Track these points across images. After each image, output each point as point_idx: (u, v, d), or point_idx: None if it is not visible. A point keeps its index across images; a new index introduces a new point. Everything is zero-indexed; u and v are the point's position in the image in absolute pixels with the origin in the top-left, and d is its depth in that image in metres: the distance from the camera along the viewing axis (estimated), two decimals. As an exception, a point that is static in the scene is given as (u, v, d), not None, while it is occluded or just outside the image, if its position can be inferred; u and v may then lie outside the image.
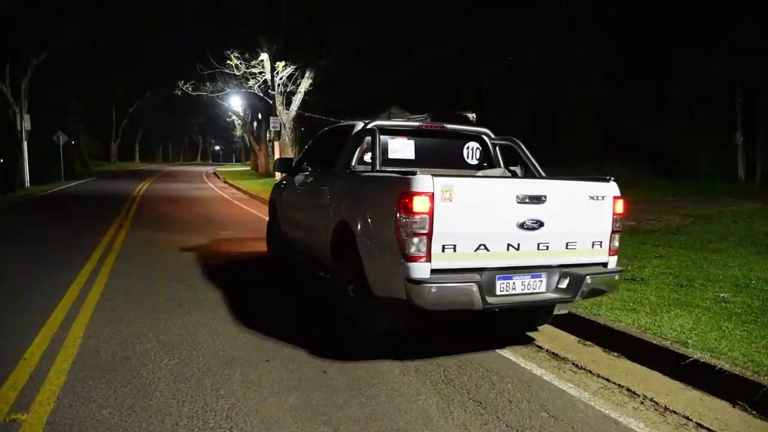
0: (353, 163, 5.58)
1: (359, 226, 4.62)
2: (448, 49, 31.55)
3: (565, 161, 23.10)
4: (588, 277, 4.35)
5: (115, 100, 47.62)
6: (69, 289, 6.52)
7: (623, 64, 22.70)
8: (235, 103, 41.31)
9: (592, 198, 4.46)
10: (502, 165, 6.00)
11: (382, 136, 5.43)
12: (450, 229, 3.99)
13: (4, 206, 17.74)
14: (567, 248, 4.39)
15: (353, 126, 5.74)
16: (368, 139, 5.48)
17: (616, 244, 4.61)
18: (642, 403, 3.74)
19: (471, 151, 6.05)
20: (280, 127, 28.20)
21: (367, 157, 5.51)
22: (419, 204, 3.91)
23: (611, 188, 4.55)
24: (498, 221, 4.16)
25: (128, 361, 4.34)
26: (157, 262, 8.34)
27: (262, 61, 28.60)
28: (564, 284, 4.39)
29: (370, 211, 4.54)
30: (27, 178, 24.49)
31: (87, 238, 10.37)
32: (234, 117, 51.25)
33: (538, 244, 4.27)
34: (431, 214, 3.92)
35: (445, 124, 5.89)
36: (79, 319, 5.39)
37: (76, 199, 20.70)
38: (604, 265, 4.59)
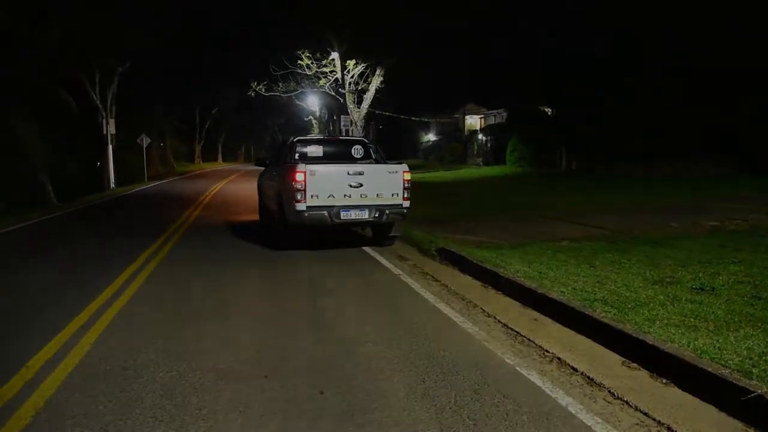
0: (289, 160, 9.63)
1: (283, 192, 8.80)
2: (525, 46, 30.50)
3: (639, 160, 21.59)
4: (387, 210, 8.60)
5: (198, 103, 49.67)
6: (109, 286, 6.54)
7: (695, 55, 20.76)
8: (312, 103, 41.85)
9: (390, 172, 8.74)
10: (373, 157, 10.07)
11: (306, 145, 10.05)
12: (314, 188, 8.19)
13: (92, 204, 18.66)
14: (377, 197, 8.56)
15: (290, 139, 10.35)
16: (297, 146, 9.93)
17: (407, 195, 8.71)
18: (684, 447, 3.10)
19: (356, 150, 10.07)
20: (351, 125, 28.21)
21: (297, 156, 9.73)
22: (299, 177, 8.20)
23: (402, 167, 8.80)
24: (339, 184, 8.35)
25: (125, 372, 4.15)
26: (202, 263, 8.31)
27: (333, 60, 28.70)
28: (377, 214, 8.58)
29: (285, 183, 8.69)
30: (112, 178, 25.81)
31: (138, 240, 10.55)
32: (311, 116, 52.12)
33: (360, 195, 8.44)
34: (305, 181, 8.16)
35: (339, 136, 12.21)
36: (99, 322, 5.34)
37: (151, 197, 21.48)
38: (400, 205, 8.70)
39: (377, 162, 9.93)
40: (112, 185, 25.64)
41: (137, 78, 30.16)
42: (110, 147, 25.92)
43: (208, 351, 4.59)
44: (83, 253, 9.54)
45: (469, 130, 47.39)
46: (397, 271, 7.57)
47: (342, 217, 8.41)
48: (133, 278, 7.25)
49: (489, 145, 36.11)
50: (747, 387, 3.38)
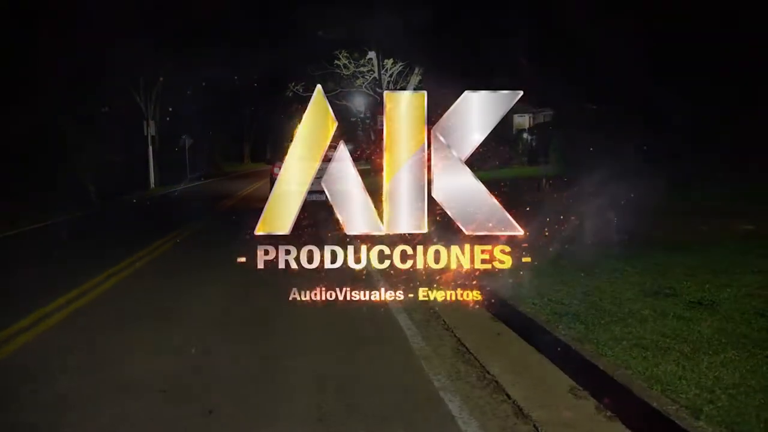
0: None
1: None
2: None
3: (687, 158, 20.23)
4: None
5: (246, 104, 50.49)
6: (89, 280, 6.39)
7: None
8: (359, 103, 41.69)
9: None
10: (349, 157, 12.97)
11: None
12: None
13: (124, 203, 19.10)
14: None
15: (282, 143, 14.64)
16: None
17: None
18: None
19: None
20: (389, 125, 27.82)
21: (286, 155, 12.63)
22: (276, 170, 12.45)
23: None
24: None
25: (30, 378, 3.93)
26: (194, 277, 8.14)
27: (370, 59, 28.43)
28: None
29: (271, 175, 15.07)
30: (152, 179, 26.37)
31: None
32: (356, 117, 52.05)
33: (322, 182, 9.93)
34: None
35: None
36: (58, 315, 5.26)
37: (186, 197, 21.74)
38: None
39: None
40: (152, 185, 26.17)
41: (182, 79, 30.76)
42: (150, 148, 26.48)
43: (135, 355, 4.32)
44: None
45: (517, 129, 46.18)
46: (376, 277, 7.10)
47: (308, 199, 11.96)
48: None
49: (533, 144, 35.06)
50: (688, 429, 2.78)
